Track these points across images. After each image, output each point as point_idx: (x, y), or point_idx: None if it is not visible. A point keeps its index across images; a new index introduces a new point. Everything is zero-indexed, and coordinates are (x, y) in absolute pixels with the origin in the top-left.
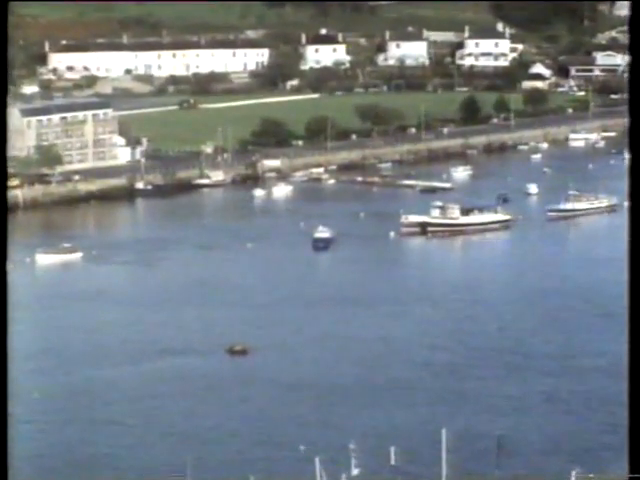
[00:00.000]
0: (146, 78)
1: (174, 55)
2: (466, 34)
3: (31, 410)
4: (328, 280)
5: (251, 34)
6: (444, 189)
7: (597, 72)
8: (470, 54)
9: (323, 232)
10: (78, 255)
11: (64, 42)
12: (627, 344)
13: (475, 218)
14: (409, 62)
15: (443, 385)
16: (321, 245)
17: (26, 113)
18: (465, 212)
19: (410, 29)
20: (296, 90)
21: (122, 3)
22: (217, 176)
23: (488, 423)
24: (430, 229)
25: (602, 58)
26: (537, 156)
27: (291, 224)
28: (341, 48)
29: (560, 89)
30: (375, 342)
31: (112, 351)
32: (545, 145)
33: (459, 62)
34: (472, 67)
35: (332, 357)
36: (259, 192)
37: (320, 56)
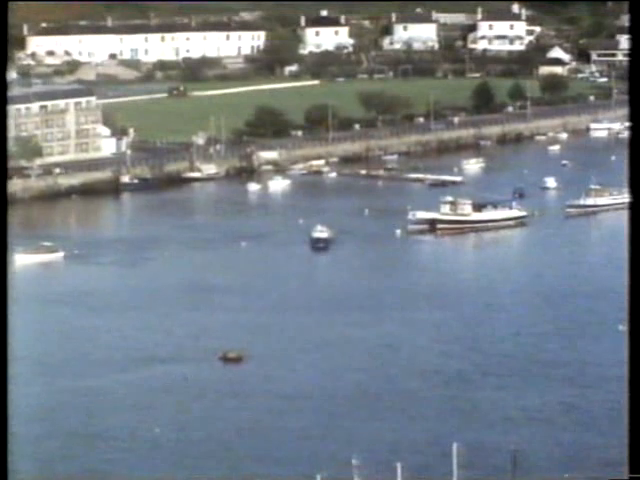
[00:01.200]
0: (132, 63)
1: (162, 38)
2: (479, 16)
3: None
4: (329, 282)
5: (246, 16)
6: (455, 183)
7: (620, 57)
8: (483, 37)
9: (322, 232)
10: (59, 255)
11: (44, 25)
12: (627, 345)
13: (488, 214)
14: (417, 46)
15: (454, 395)
16: (320, 245)
17: None
18: (478, 208)
19: (418, 10)
20: (295, 76)
21: None
22: (209, 169)
23: (503, 436)
24: (440, 226)
25: (626, 41)
26: (555, 147)
27: (289, 221)
28: (343, 31)
29: (580, 75)
30: (380, 349)
31: (95, 359)
32: (564, 135)
33: (471, 46)
34: (485, 51)
35: (333, 365)
36: (254, 186)
37: (321, 39)
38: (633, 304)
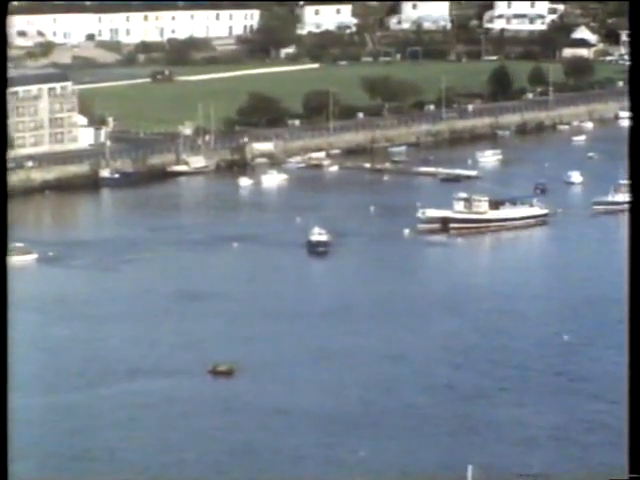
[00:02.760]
0: (112, 45)
1: (145, 18)
2: None
3: None
4: (329, 287)
5: None
6: (469, 178)
7: None
8: (501, 16)
9: (320, 235)
10: (32, 257)
11: (15, 2)
12: (627, 345)
13: (507, 212)
14: (427, 25)
15: (468, 412)
16: (319, 250)
17: None
18: (495, 205)
19: None
20: (292, 59)
21: None
22: (197, 162)
23: (522, 457)
24: (453, 226)
25: None
26: (580, 138)
27: (285, 220)
28: (346, 9)
29: (608, 58)
30: (387, 361)
31: (71, 372)
32: (590, 125)
33: (487, 25)
34: (503, 32)
35: (335, 379)
36: (245, 181)
37: (321, 18)
38: (633, 305)
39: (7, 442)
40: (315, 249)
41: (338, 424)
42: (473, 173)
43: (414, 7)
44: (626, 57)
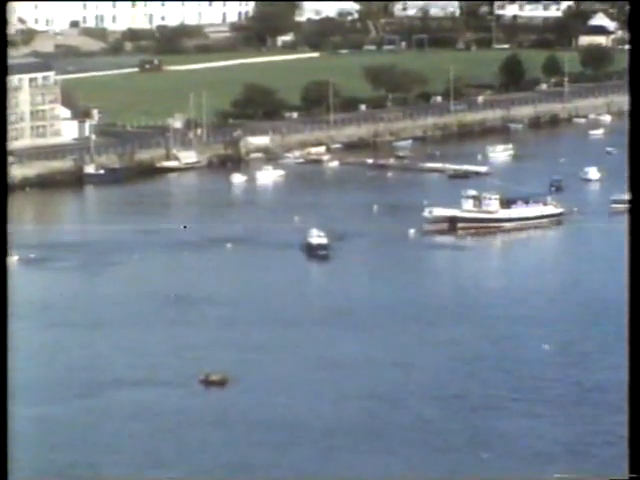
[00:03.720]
0: (98, 32)
1: (133, 4)
2: None
3: None
4: (329, 291)
5: None
6: (479, 174)
7: None
8: (513, 2)
9: (319, 237)
10: (12, 259)
11: None
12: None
13: (519, 211)
14: (434, 12)
15: (479, 424)
16: (319, 253)
17: None
18: (506, 204)
19: None
20: (290, 48)
21: None
22: (188, 157)
23: (536, 473)
24: (461, 225)
25: None
26: (598, 132)
27: (281, 219)
28: None
29: (628, 46)
30: (392, 370)
31: (54, 382)
32: (608, 118)
33: (499, 12)
34: (515, 18)
35: (336, 389)
36: (239, 178)
37: (320, 4)
38: (633, 305)
39: (7, 442)
40: (314, 252)
41: (339, 438)
42: (483, 169)
43: None
44: None
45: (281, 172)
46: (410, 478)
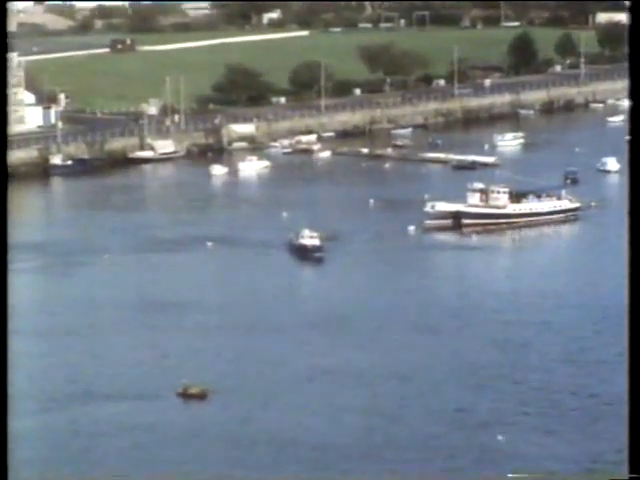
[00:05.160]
0: (64, 10)
1: None
2: None
3: None
4: (321, 295)
5: None
6: (486, 165)
7: None
8: None
9: (311, 238)
10: None
11: None
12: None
13: (530, 206)
14: None
15: (487, 442)
16: (312, 256)
17: None
18: (516, 198)
19: None
20: (276, 26)
21: None
22: (165, 147)
23: None
24: (466, 222)
25: None
26: (617, 118)
27: (269, 216)
28: None
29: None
30: (390, 381)
31: (17, 395)
32: (628, 103)
33: None
34: None
35: (329, 403)
36: (219, 169)
37: None
38: (633, 305)
39: (7, 442)
40: (306, 254)
41: (331, 456)
42: (490, 160)
43: None
44: None
45: (266, 163)
46: (410, 478)
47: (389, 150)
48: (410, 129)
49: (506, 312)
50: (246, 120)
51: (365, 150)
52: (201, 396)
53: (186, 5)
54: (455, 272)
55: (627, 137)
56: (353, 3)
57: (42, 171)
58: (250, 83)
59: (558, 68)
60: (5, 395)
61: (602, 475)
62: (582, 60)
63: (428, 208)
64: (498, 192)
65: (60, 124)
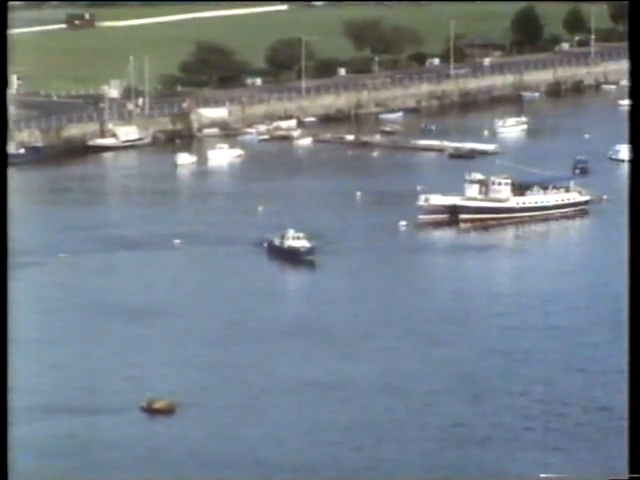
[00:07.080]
0: None
1: None
2: None
3: None
4: (303, 299)
5: None
6: (486, 153)
7: None
8: None
9: (297, 239)
10: None
11: None
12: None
13: (535, 199)
14: None
15: (487, 461)
16: (302, 259)
17: None
18: (520, 190)
19: None
20: None
21: None
22: (128, 133)
23: None
24: (464, 217)
25: None
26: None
27: (242, 211)
28: None
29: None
30: (381, 394)
31: None
32: None
33: None
34: None
35: (311, 419)
36: (185, 159)
37: None
38: (633, 305)
39: (7, 442)
40: (294, 258)
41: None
42: (491, 147)
43: None
44: None
45: (239, 152)
46: (410, 478)
47: (377, 137)
48: (401, 113)
49: (508, 316)
50: (218, 104)
51: (350, 137)
52: (168, 411)
53: None
54: (452, 273)
55: None
56: None
57: None
58: (222, 62)
59: (566, 46)
60: (5, 396)
61: (602, 475)
62: (592, 37)
63: (421, 202)
64: (499, 184)
65: (12, 109)
